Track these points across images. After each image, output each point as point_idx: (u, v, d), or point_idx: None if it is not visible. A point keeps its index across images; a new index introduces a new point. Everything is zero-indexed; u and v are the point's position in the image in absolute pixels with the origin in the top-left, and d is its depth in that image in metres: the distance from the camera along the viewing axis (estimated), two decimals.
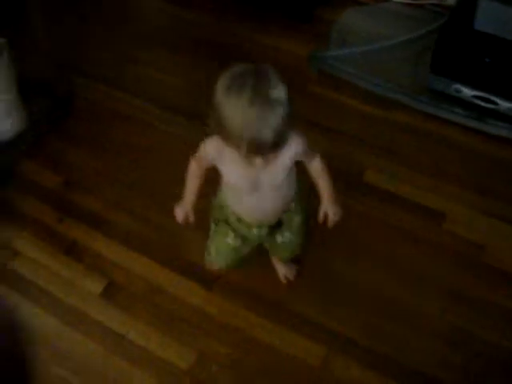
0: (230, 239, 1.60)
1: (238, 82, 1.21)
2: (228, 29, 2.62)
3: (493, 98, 2.09)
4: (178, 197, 1.55)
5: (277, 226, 1.59)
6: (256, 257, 1.73)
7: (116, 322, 1.78)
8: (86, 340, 1.75)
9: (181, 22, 2.73)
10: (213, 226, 1.65)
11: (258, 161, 1.28)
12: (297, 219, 1.61)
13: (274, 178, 1.41)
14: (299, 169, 1.50)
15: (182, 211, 1.55)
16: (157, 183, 2.08)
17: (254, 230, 1.57)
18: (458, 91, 2.13)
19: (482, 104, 2.12)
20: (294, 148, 1.38)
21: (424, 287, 1.81)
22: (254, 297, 1.81)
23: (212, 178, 1.50)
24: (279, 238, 1.63)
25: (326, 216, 1.55)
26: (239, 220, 1.55)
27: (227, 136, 1.26)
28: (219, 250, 1.65)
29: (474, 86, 2.10)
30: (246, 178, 1.39)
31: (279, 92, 1.22)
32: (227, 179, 1.44)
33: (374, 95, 2.30)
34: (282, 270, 1.83)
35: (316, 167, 1.50)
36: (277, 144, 1.25)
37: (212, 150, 1.39)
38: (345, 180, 2.05)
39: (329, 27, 2.52)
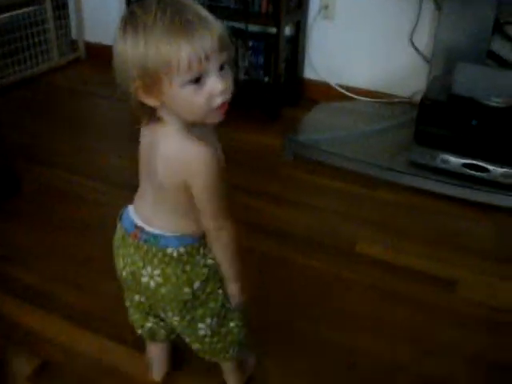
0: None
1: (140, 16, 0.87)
2: None
3: (483, 164, 1.94)
4: None
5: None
6: None
7: None
8: None
9: None
10: None
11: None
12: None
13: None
14: None
15: None
16: (104, 259, 1.73)
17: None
18: (445, 162, 1.98)
19: (473, 173, 1.96)
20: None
21: (440, 354, 1.46)
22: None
23: None
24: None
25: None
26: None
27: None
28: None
29: (461, 154, 1.96)
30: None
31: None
32: None
33: (357, 174, 2.14)
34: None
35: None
36: None
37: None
38: (335, 252, 1.79)
39: (298, 122, 2.45)
